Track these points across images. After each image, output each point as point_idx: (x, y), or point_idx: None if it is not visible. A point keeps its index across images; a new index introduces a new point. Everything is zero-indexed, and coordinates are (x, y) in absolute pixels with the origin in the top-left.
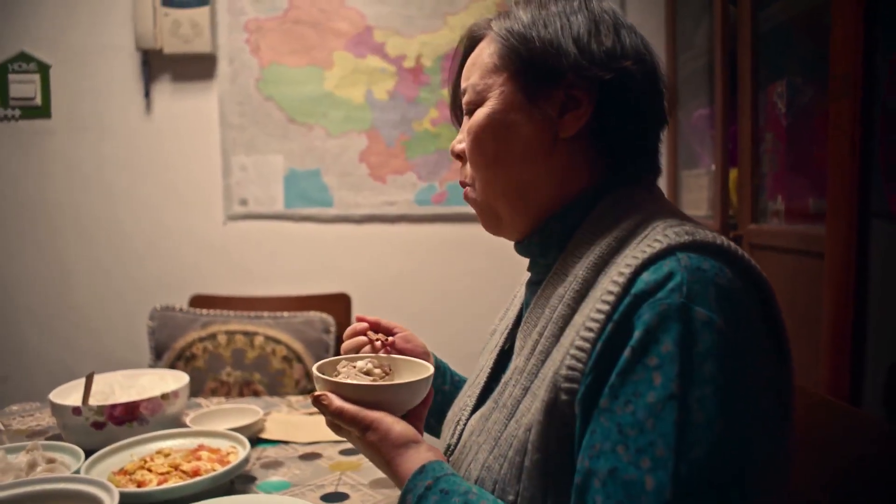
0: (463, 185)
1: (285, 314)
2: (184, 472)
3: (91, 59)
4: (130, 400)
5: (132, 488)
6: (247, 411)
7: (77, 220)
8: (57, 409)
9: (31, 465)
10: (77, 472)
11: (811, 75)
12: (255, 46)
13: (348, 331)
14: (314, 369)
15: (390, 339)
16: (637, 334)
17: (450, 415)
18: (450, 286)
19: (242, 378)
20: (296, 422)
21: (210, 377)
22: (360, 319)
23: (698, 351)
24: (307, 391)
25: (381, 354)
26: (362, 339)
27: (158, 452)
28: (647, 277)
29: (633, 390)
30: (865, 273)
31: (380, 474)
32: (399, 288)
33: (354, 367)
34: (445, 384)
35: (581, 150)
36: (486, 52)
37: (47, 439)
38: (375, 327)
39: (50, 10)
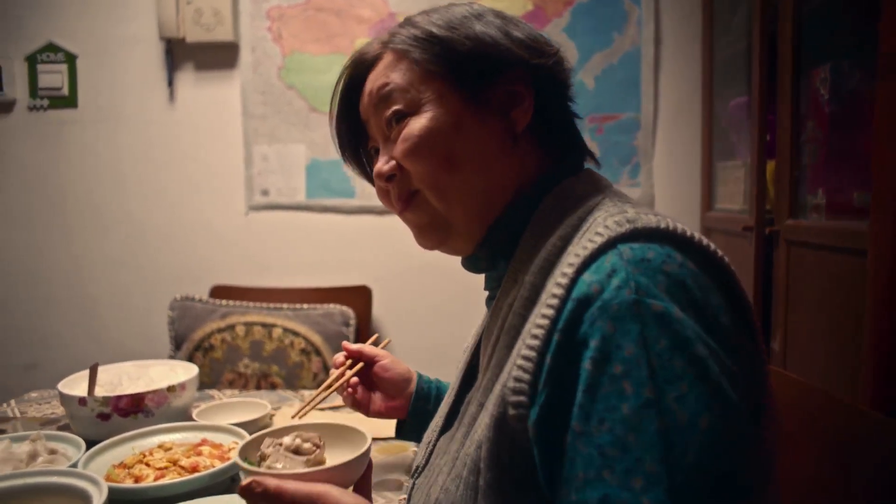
0: (402, 200)
1: (305, 306)
2: (182, 467)
3: (116, 49)
4: (136, 391)
5: (129, 483)
6: (255, 405)
7: (102, 210)
8: (65, 399)
9: (32, 456)
10: (75, 464)
11: (858, 58)
12: (277, 34)
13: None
14: (236, 457)
15: (354, 379)
16: (594, 343)
17: (424, 437)
18: (473, 280)
19: (260, 370)
20: (305, 417)
21: (228, 368)
22: (344, 348)
23: (663, 348)
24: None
25: (312, 423)
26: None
27: (159, 446)
28: (588, 278)
29: (606, 406)
30: None
31: (380, 476)
32: (421, 280)
33: (281, 444)
34: (429, 405)
35: (526, 146)
36: (400, 67)
37: (59, 428)
38: (357, 357)
39: (77, 1)
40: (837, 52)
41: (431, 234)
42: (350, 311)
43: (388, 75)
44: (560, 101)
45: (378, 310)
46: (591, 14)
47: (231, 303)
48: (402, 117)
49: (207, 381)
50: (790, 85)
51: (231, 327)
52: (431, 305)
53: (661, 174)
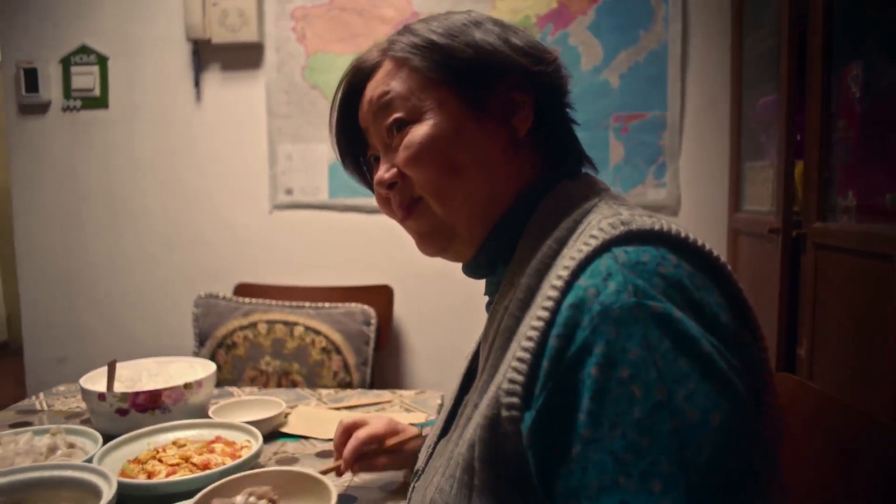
0: (404, 208)
1: (326, 305)
2: (194, 464)
3: (145, 51)
4: (154, 388)
5: (142, 478)
6: (271, 403)
7: (131, 209)
8: (85, 394)
9: (52, 449)
10: (90, 459)
11: (892, 55)
12: (301, 34)
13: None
14: None
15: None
16: (599, 349)
17: (425, 441)
18: None
19: (281, 368)
20: (320, 416)
21: (250, 366)
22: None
23: (667, 348)
24: (345, 383)
25: (266, 469)
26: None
27: (174, 443)
28: (584, 282)
29: (616, 410)
30: None
31: (386, 479)
32: (442, 280)
33: None
34: None
35: (525, 152)
36: (400, 75)
37: (82, 422)
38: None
39: (109, 4)
40: (870, 49)
41: (433, 241)
42: (371, 311)
43: (388, 83)
44: (559, 108)
45: (399, 309)
46: (617, 11)
47: (253, 300)
48: (403, 125)
49: (230, 377)
50: (820, 82)
51: (253, 325)
52: (452, 305)
53: (687, 174)
